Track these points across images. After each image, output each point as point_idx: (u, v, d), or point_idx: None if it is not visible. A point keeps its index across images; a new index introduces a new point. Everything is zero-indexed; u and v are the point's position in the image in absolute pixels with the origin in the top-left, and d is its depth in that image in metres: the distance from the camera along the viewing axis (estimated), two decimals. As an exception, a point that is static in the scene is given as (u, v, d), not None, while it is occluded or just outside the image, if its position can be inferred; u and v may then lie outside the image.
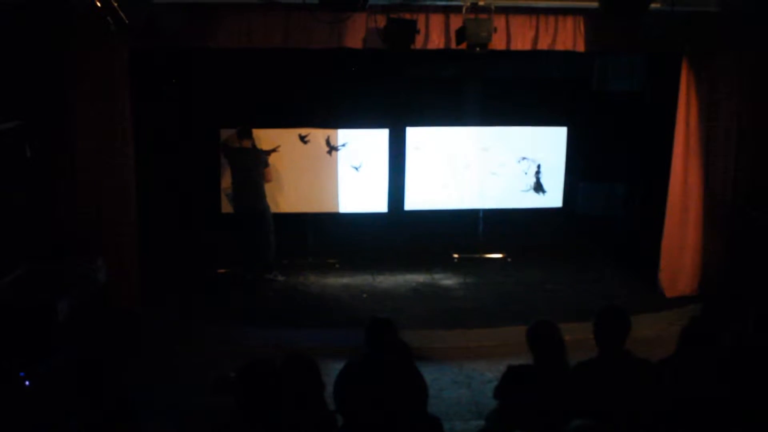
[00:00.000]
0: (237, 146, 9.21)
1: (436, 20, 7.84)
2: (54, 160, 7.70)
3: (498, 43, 7.82)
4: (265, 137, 9.71)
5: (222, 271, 9.54)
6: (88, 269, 7.42)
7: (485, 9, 7.51)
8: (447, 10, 7.78)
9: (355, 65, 9.57)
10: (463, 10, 7.48)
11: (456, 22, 7.68)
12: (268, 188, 9.42)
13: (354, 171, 9.96)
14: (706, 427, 4.09)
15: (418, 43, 7.78)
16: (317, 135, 9.73)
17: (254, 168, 9.18)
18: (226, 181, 9.58)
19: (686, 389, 4.24)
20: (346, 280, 9.43)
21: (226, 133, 9.55)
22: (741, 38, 7.95)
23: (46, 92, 7.57)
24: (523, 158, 10.14)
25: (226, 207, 9.69)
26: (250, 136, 9.20)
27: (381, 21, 7.63)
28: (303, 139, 9.55)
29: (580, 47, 8.04)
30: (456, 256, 10.21)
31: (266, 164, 9.30)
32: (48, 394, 5.29)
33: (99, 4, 6.47)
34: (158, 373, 6.59)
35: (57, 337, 6.26)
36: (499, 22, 7.73)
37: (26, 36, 7.23)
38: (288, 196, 9.73)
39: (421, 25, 7.72)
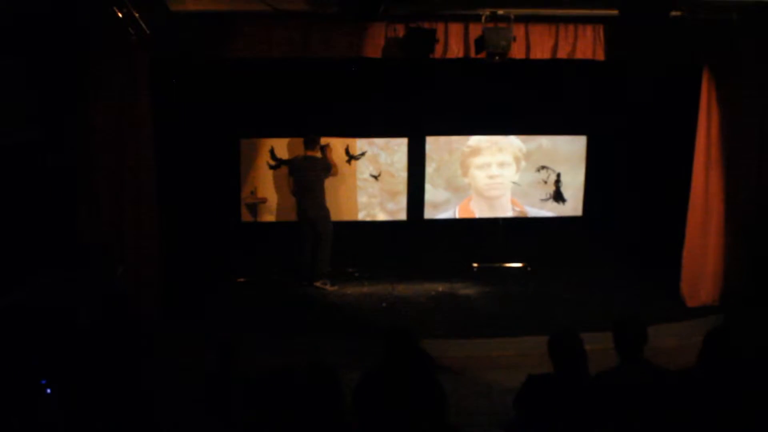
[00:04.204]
0: (302, 155, 9.39)
1: (456, 29, 7.84)
2: (75, 167, 7.75)
3: (517, 52, 7.82)
4: (284, 147, 9.78)
5: (241, 279, 9.58)
6: (109, 276, 7.45)
7: (504, 18, 7.51)
8: (466, 19, 7.78)
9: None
10: (483, 19, 7.49)
11: (475, 31, 7.69)
12: (288, 197, 9.52)
13: (373, 180, 9.98)
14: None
15: (438, 52, 7.79)
16: (336, 144, 9.77)
17: (316, 176, 9.35)
18: (246, 191, 9.66)
19: (707, 400, 4.20)
20: (365, 289, 9.43)
21: (245, 143, 9.66)
22: (762, 46, 7.90)
23: (67, 101, 7.63)
24: (543, 167, 10.12)
25: (246, 216, 9.75)
26: (316, 144, 9.38)
27: (400, 30, 7.66)
28: (322, 148, 9.58)
29: (600, 56, 8.01)
30: (476, 265, 10.19)
31: (328, 169, 9.49)
32: (69, 401, 5.31)
33: (120, 15, 6.53)
34: (177, 380, 6.59)
35: (78, 345, 6.28)
36: (519, 31, 7.73)
37: (47, 46, 7.29)
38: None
39: (440, 34, 7.73)
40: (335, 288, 9.43)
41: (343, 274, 9.81)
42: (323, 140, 9.57)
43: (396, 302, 8.96)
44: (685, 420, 4.17)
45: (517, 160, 10.10)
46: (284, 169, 9.69)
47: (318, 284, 9.44)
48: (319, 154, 9.44)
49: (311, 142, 9.37)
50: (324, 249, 9.45)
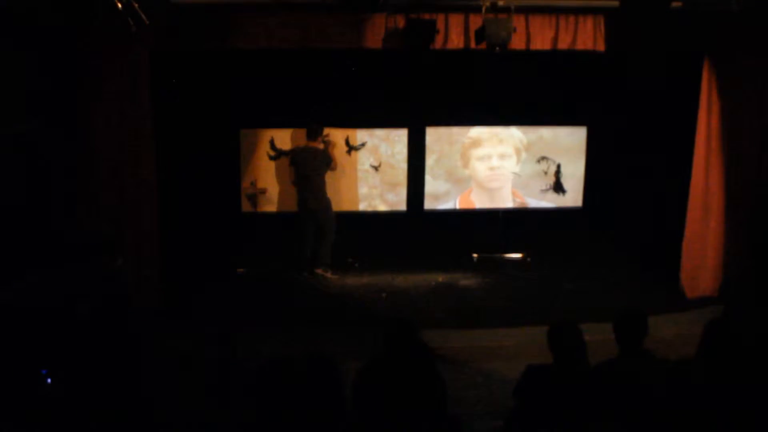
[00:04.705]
0: (304, 145, 9.41)
1: (456, 20, 7.83)
2: (75, 161, 7.74)
3: (517, 43, 7.80)
4: (284, 137, 9.77)
5: (241, 270, 9.58)
6: (109, 270, 7.44)
7: (505, 9, 7.50)
8: (467, 10, 7.76)
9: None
10: (483, 9, 7.47)
11: (476, 22, 7.67)
12: (288, 187, 9.54)
13: (373, 170, 9.99)
14: (727, 429, 4.06)
15: (438, 43, 7.78)
16: (336, 135, 9.76)
17: (317, 167, 9.34)
18: (246, 182, 9.67)
19: (707, 391, 4.21)
20: (365, 279, 9.44)
21: (245, 134, 9.66)
22: (763, 39, 7.89)
23: (67, 93, 7.62)
24: (543, 158, 10.13)
25: (246, 206, 9.76)
26: (318, 135, 9.40)
27: (400, 21, 7.65)
28: (323, 139, 9.57)
29: (601, 47, 8.00)
30: (475, 255, 10.20)
31: (328, 162, 9.46)
32: (69, 394, 5.33)
33: (120, 6, 6.52)
34: (177, 374, 6.61)
35: (77, 339, 6.29)
36: (519, 21, 7.71)
37: (48, 38, 7.28)
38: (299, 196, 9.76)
39: (440, 25, 7.72)
40: (336, 277, 9.45)
41: (343, 265, 9.82)
42: (324, 131, 9.57)
43: (396, 293, 8.98)
44: (685, 411, 4.17)
45: (517, 151, 10.10)
46: (285, 160, 9.69)
47: (319, 271, 9.48)
48: (320, 145, 9.44)
49: (313, 132, 9.38)
50: (326, 240, 9.46)
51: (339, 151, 9.76)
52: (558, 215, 10.42)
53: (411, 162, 10.03)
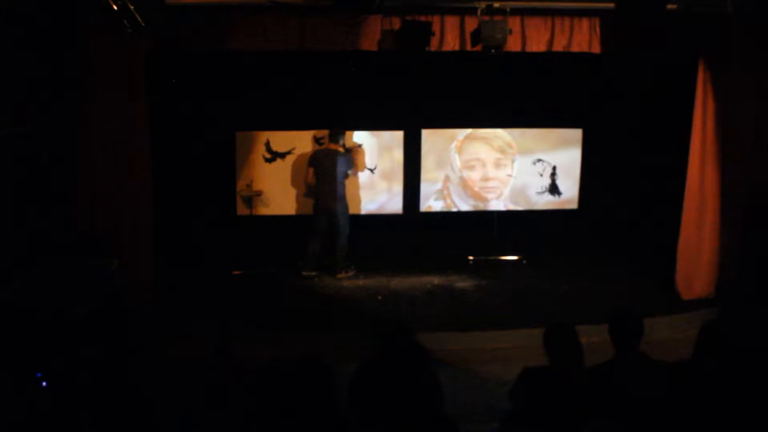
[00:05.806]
0: (325, 148, 9.39)
1: (451, 22, 7.83)
2: (71, 161, 7.73)
3: (513, 45, 7.81)
4: (280, 139, 9.76)
5: (237, 273, 9.56)
6: (104, 270, 7.44)
7: (500, 11, 7.50)
8: (462, 12, 7.77)
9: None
10: (479, 12, 7.48)
11: (471, 24, 7.68)
12: (286, 190, 9.55)
13: (369, 173, 9.98)
14: (723, 430, 4.06)
15: (433, 45, 7.78)
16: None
17: (337, 171, 9.29)
18: (241, 184, 9.65)
19: (702, 393, 4.21)
20: (361, 282, 9.43)
21: (241, 136, 9.64)
22: (757, 40, 7.91)
23: (63, 94, 7.61)
24: (539, 160, 10.13)
25: (242, 209, 9.74)
26: (340, 139, 9.37)
27: (396, 23, 7.65)
28: (318, 141, 9.57)
29: (596, 49, 8.01)
30: (471, 258, 10.18)
31: (350, 166, 9.44)
32: (65, 395, 5.32)
33: (115, 7, 6.51)
34: (174, 376, 6.59)
35: (74, 340, 6.28)
36: (515, 23, 7.72)
37: (42, 39, 7.27)
38: (303, 198, 9.75)
39: (436, 27, 7.72)
40: (354, 272, 9.55)
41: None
42: (319, 133, 9.57)
43: (392, 295, 8.96)
44: (680, 413, 4.18)
45: (513, 153, 10.10)
46: (280, 162, 9.69)
47: (341, 275, 9.49)
48: (341, 149, 9.41)
49: (335, 135, 9.36)
50: (338, 245, 9.47)
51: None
52: (554, 217, 10.43)
53: (407, 164, 10.03)
